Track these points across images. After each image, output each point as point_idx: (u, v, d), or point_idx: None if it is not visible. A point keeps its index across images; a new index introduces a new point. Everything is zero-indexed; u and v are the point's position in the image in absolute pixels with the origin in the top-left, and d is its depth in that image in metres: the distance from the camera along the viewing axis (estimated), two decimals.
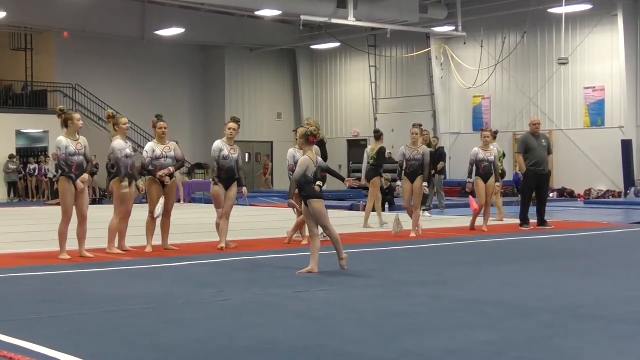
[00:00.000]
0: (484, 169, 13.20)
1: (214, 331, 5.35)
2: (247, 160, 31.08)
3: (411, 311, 6.08)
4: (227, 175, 10.49)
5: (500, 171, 14.60)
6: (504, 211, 15.46)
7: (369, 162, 13.99)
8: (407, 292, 7.02)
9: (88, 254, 9.51)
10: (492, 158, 13.24)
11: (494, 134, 15.62)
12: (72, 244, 9.56)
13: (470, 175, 13.54)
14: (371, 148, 14.25)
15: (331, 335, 5.20)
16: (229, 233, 10.57)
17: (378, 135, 14.53)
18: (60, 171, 9.49)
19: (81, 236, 9.54)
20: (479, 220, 13.29)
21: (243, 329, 5.38)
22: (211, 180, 10.88)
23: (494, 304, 6.30)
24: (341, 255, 8.30)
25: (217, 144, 10.58)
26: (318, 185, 10.04)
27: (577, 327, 5.47)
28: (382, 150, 14.16)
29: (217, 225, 10.62)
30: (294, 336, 5.19)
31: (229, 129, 10.59)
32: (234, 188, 10.59)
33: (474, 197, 13.92)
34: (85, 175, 9.46)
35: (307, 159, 8.40)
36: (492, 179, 13.20)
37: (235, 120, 10.76)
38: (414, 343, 4.95)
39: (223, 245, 10.42)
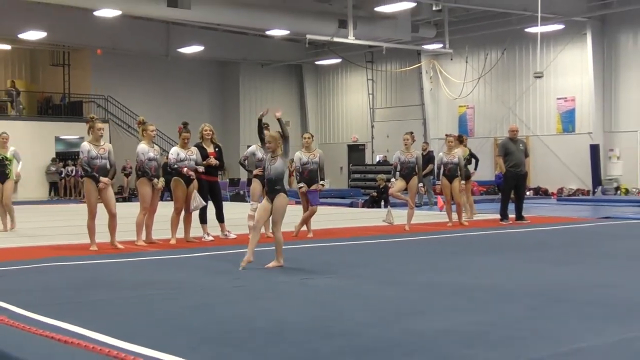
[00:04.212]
0: (449, 170, 13.12)
1: (232, 314, 5.33)
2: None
3: (408, 296, 6.06)
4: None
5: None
6: (475, 210, 15.14)
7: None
8: (403, 279, 6.99)
9: (119, 245, 9.49)
10: (455, 160, 13.15)
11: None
12: (101, 237, 9.56)
13: (438, 178, 13.49)
14: (462, 151, 14.32)
15: (337, 318, 5.17)
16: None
17: (462, 140, 15.02)
18: (83, 172, 9.47)
19: (112, 228, 9.51)
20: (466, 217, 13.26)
21: (258, 312, 5.35)
22: (247, 178, 11.00)
23: (481, 290, 6.27)
24: (279, 259, 7.63)
25: (251, 148, 10.82)
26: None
27: (554, 310, 5.44)
28: (472, 153, 15.13)
29: (250, 216, 10.63)
30: (304, 318, 5.16)
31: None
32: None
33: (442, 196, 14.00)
34: (105, 179, 9.37)
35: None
36: (457, 179, 13.11)
37: (265, 127, 10.67)
38: (412, 324, 4.92)
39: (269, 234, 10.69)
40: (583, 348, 4.26)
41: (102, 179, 9.30)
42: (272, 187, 7.76)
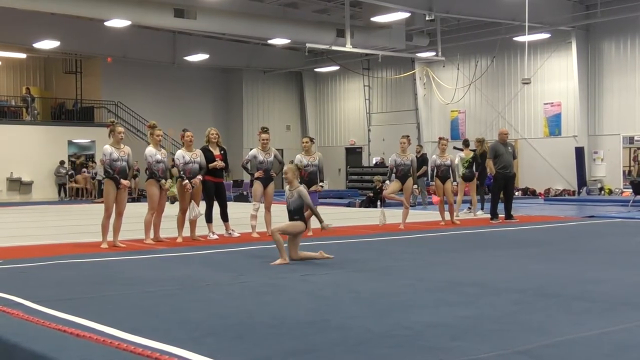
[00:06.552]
0: (442, 172, 13.14)
1: (235, 308, 5.32)
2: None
3: (400, 291, 6.05)
4: (265, 175, 10.61)
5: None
6: (460, 209, 15.07)
7: (464, 166, 13.98)
8: (397, 275, 6.98)
9: (120, 244, 9.46)
10: (448, 162, 13.17)
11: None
12: (119, 235, 9.54)
13: (432, 178, 13.50)
14: (465, 153, 14.35)
15: (334, 312, 5.17)
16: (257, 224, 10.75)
17: (467, 144, 15.12)
18: (105, 173, 9.48)
19: (117, 228, 9.50)
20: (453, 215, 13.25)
21: (259, 306, 5.35)
22: (250, 180, 11.00)
23: (470, 285, 6.26)
24: (284, 256, 7.79)
25: (252, 152, 10.75)
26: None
27: (541, 304, 5.43)
28: (475, 156, 14.78)
29: (252, 216, 10.65)
30: (302, 312, 5.16)
31: (263, 140, 10.64)
32: (271, 186, 10.72)
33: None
34: (125, 181, 9.39)
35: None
36: (449, 180, 13.14)
37: (265, 130, 10.74)
38: (403, 318, 4.91)
39: (270, 232, 10.61)
40: (568, 340, 4.26)
41: (123, 181, 9.33)
42: (291, 217, 8.12)
